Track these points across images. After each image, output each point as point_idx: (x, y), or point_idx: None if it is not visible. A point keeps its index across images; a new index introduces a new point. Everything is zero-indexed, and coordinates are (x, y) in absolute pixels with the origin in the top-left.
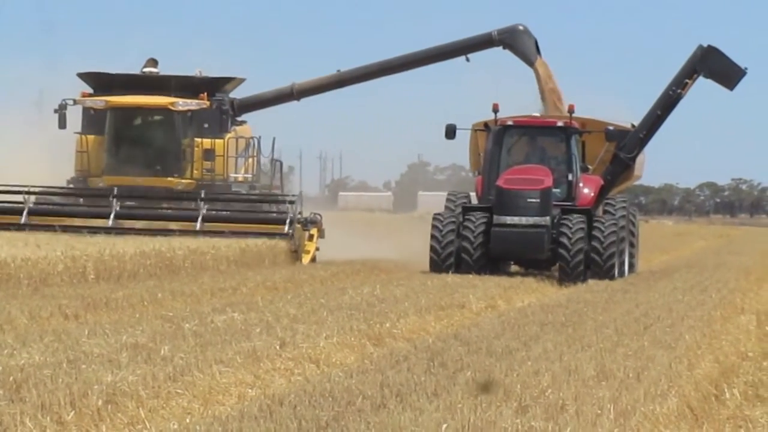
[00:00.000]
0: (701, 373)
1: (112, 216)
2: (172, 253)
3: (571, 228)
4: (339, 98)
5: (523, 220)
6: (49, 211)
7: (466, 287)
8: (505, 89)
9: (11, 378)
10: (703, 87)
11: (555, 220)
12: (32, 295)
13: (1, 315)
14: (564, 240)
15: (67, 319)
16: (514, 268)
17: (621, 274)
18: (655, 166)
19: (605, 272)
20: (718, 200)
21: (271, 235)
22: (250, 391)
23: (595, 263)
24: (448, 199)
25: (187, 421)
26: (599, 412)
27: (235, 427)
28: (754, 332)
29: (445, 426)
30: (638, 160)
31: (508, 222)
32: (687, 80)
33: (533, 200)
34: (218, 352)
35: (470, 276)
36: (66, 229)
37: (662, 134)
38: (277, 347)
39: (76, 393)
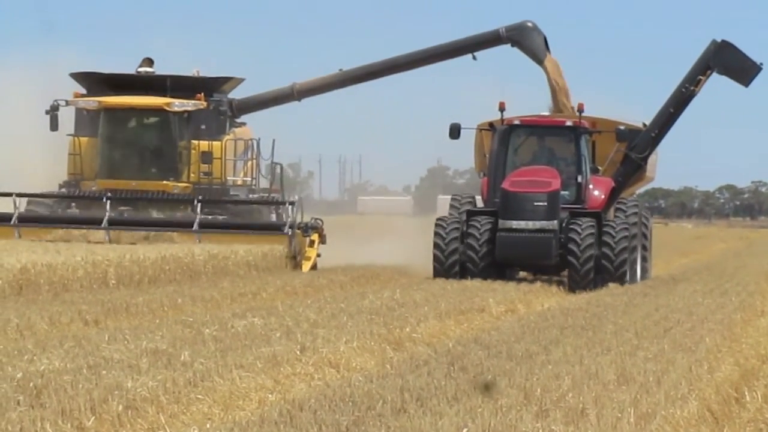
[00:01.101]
0: (722, 377)
1: (105, 221)
2: (191, 258)
3: (580, 232)
4: (357, 101)
5: (530, 224)
6: (39, 217)
7: (485, 291)
8: (512, 88)
9: (31, 384)
10: (722, 87)
11: (563, 224)
12: (52, 301)
13: (22, 321)
14: (573, 245)
15: (87, 325)
16: (521, 274)
17: (633, 280)
18: (673, 169)
19: (616, 278)
20: (737, 203)
21: (269, 238)
22: (270, 396)
23: (606, 269)
24: (452, 202)
25: (208, 426)
26: (619, 416)
27: None
28: None
29: (465, 430)
30: (650, 160)
31: (514, 226)
32: (700, 77)
33: (540, 203)
34: (238, 357)
35: (489, 280)
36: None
37: (681, 136)
38: (298, 352)
39: (97, 399)
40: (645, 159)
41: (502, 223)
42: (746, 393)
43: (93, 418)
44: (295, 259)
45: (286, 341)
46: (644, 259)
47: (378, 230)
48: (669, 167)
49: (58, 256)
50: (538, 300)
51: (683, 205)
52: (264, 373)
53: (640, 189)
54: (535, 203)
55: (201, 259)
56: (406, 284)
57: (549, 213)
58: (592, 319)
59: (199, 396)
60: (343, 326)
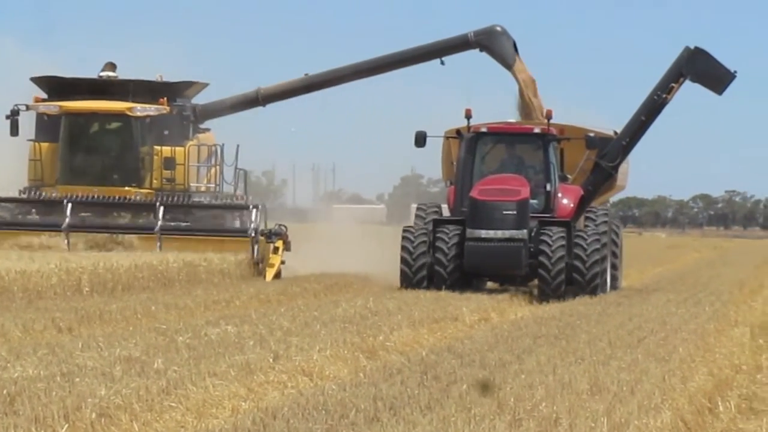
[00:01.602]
0: (695, 386)
1: (64, 226)
2: (165, 266)
3: (551, 242)
4: (332, 109)
5: (499, 233)
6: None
7: (459, 300)
8: (478, 94)
9: (5, 391)
10: (696, 97)
11: (532, 234)
12: (26, 308)
13: None
14: (544, 255)
15: (61, 332)
16: (489, 284)
17: (603, 289)
18: (647, 178)
19: (588, 288)
20: (711, 212)
21: (232, 244)
22: (243, 404)
23: (578, 280)
24: (417, 212)
25: None
26: (593, 425)
27: None
28: (748, 345)
29: None
30: (621, 169)
31: (483, 236)
32: (673, 84)
33: (509, 212)
34: (212, 365)
35: (457, 291)
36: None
37: (655, 145)
38: (271, 360)
39: (70, 406)
40: (616, 168)
41: (471, 233)
42: (719, 403)
43: (66, 425)
44: (258, 266)
45: (259, 349)
46: (614, 268)
47: (351, 239)
48: (643, 176)
49: (32, 263)
50: (512, 309)
51: (657, 215)
52: (237, 381)
53: (612, 197)
54: (504, 212)
55: (175, 267)
56: (379, 293)
57: (518, 222)
58: (565, 328)
59: (173, 404)
60: (316, 334)
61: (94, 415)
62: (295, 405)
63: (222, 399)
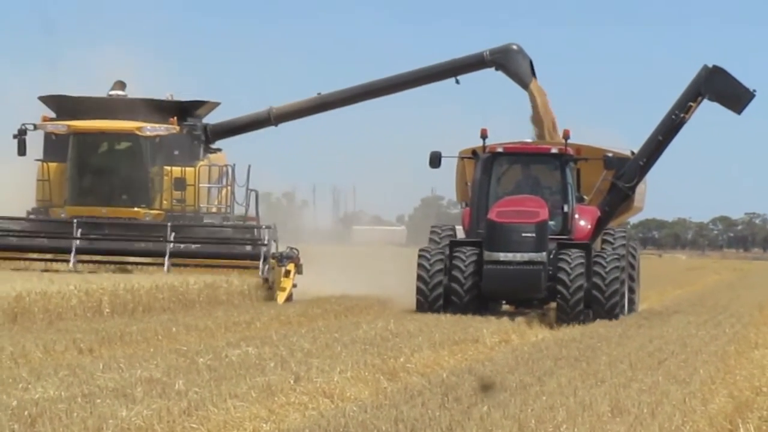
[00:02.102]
0: (716, 409)
1: (72, 251)
2: (185, 287)
3: (570, 264)
4: (352, 130)
5: (518, 256)
6: (5, 246)
7: (479, 321)
8: (493, 114)
9: (26, 412)
10: (716, 116)
11: (551, 256)
12: (47, 329)
13: (16, 349)
14: (563, 277)
15: (82, 353)
16: (505, 307)
17: (622, 313)
18: (667, 200)
19: (607, 311)
20: (731, 234)
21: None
22: (264, 425)
23: (597, 302)
24: (432, 233)
25: None
26: None
27: None
28: None
29: None
30: (638, 189)
31: (502, 259)
32: (691, 103)
33: (528, 234)
34: (233, 387)
35: (472, 314)
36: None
37: (674, 167)
38: (292, 382)
39: (91, 427)
40: (633, 188)
41: (489, 255)
42: (740, 425)
43: None
44: (269, 289)
45: (280, 371)
46: (631, 291)
47: (371, 260)
48: (662, 198)
49: (52, 285)
50: (532, 331)
51: (677, 237)
52: (258, 402)
53: (630, 219)
54: (523, 234)
55: (195, 288)
56: (400, 314)
57: (537, 244)
58: (586, 350)
59: (194, 425)
60: (337, 356)
61: None
62: (316, 427)
63: (243, 420)
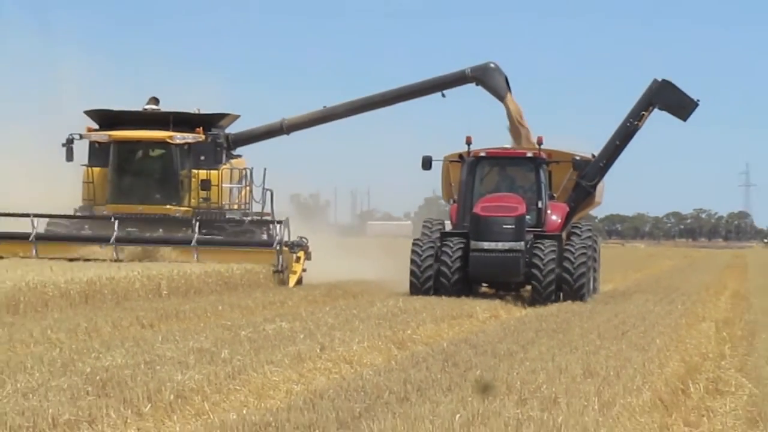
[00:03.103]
0: (670, 371)
1: (113, 239)
2: (230, 273)
3: (543, 253)
4: (367, 141)
5: (500, 245)
6: (55, 236)
7: (473, 300)
8: (476, 123)
9: (98, 377)
10: (671, 129)
11: (527, 245)
12: (115, 308)
13: (89, 324)
14: (537, 263)
15: (144, 328)
16: (484, 289)
17: (589, 295)
18: (629, 199)
19: (575, 294)
20: (682, 227)
21: (259, 255)
22: (295, 387)
23: (567, 285)
24: (424, 226)
25: (244, 412)
26: (585, 404)
27: (284, 417)
28: (714, 337)
29: (458, 416)
30: (598, 187)
31: (486, 247)
32: (643, 112)
33: (509, 226)
34: (269, 355)
35: (459, 296)
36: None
37: (634, 170)
38: (318, 350)
39: (152, 389)
40: (594, 186)
41: (475, 245)
42: (690, 385)
43: (149, 405)
44: (281, 273)
45: (308, 341)
46: (594, 278)
47: (383, 250)
48: (625, 196)
49: (119, 271)
50: (517, 308)
51: (636, 229)
52: (290, 368)
53: (594, 213)
54: (504, 226)
55: (238, 273)
56: (406, 295)
57: (516, 235)
58: (561, 323)
59: (237, 387)
60: (355, 329)
61: (172, 397)
62: (339, 387)
63: (278, 383)
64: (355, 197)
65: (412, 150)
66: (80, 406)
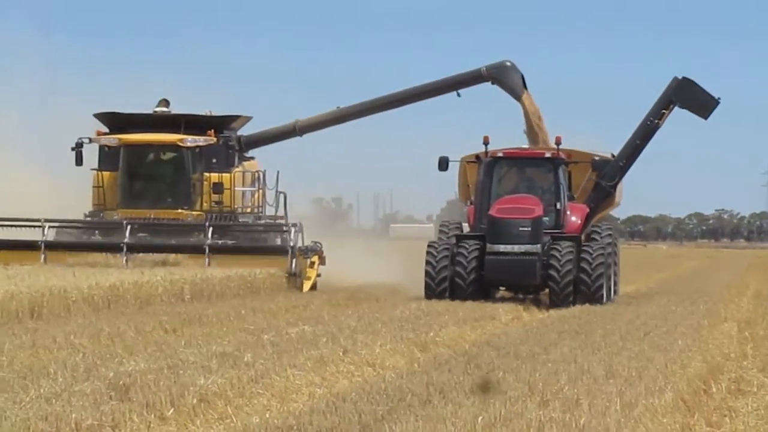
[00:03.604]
0: (692, 372)
1: (124, 247)
2: (253, 277)
3: (560, 255)
4: (390, 146)
5: (516, 248)
6: (65, 244)
7: (495, 302)
8: (492, 122)
9: (121, 382)
10: (692, 129)
11: (545, 248)
12: (137, 313)
13: (112, 329)
14: (554, 265)
15: (167, 333)
16: (501, 293)
17: (606, 297)
18: (651, 199)
19: (593, 296)
20: (704, 228)
21: (273, 260)
22: (318, 390)
23: (584, 290)
24: (441, 229)
25: (267, 416)
26: (608, 405)
27: (306, 420)
28: (736, 337)
29: (480, 418)
30: (618, 187)
31: (502, 250)
32: (664, 110)
33: (525, 228)
34: (292, 359)
35: (475, 300)
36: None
37: (657, 172)
38: (341, 354)
39: (175, 394)
40: (614, 186)
41: (491, 247)
42: (713, 385)
43: (172, 409)
44: (295, 278)
45: (331, 345)
46: (615, 281)
47: (406, 253)
48: (647, 197)
49: (142, 276)
50: (539, 309)
51: (659, 230)
52: (313, 371)
53: (615, 213)
54: (521, 228)
55: (260, 277)
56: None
57: (533, 237)
58: (584, 324)
59: (260, 391)
60: (378, 332)
61: (195, 401)
62: (361, 390)
63: (300, 386)
64: (377, 200)
65: (434, 152)
66: (103, 411)
